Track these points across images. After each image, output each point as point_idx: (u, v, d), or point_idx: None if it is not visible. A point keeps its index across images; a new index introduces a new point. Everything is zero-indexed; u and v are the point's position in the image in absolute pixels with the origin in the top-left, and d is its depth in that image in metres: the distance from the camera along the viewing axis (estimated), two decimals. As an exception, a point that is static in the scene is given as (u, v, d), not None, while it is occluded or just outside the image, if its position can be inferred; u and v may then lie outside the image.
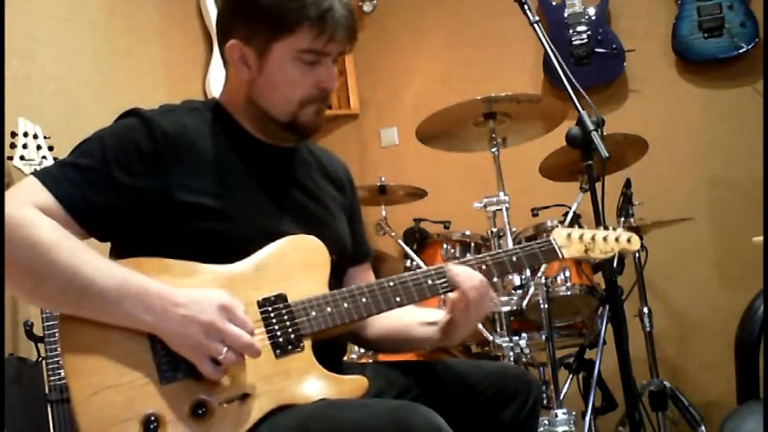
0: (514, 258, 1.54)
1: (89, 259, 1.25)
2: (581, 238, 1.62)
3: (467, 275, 1.46)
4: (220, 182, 1.42)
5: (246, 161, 1.48)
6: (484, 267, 1.51)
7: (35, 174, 1.34)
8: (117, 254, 1.41)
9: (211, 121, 1.49)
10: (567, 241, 1.61)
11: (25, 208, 1.26)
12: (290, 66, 1.43)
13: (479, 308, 1.48)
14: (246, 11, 1.46)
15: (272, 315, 1.35)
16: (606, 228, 1.68)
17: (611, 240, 1.64)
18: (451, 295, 1.47)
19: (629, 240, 1.67)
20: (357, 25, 1.47)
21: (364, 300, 1.41)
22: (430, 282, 1.47)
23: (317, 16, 1.39)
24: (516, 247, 1.57)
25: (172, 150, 1.38)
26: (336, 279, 1.49)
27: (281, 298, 1.37)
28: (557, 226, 2.77)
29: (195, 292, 1.27)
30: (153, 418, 1.22)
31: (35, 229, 1.24)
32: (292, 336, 1.35)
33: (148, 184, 1.35)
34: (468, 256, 1.54)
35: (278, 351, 1.33)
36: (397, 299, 1.44)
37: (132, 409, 1.22)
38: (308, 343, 1.35)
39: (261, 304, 1.35)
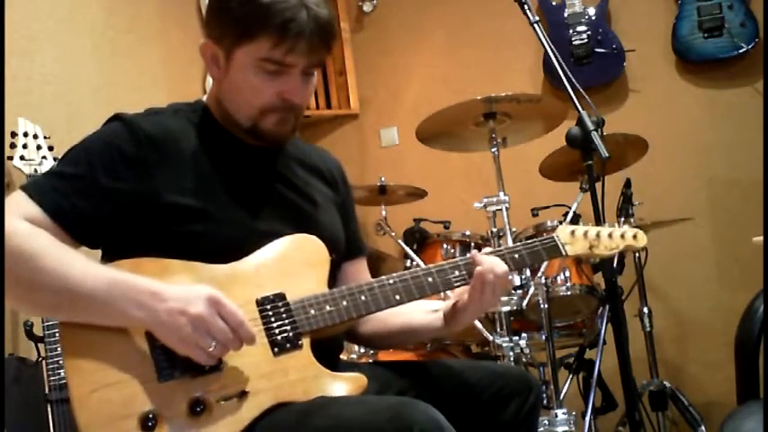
0: (517, 256, 1.53)
1: (77, 263, 1.26)
2: (585, 234, 1.59)
3: (491, 258, 1.48)
4: (204, 182, 1.42)
5: (230, 161, 1.48)
6: None
7: (21, 187, 1.35)
8: (108, 259, 1.40)
9: (195, 122, 1.49)
10: (570, 238, 1.58)
11: (12, 220, 1.26)
12: (251, 72, 1.42)
13: (494, 294, 1.46)
14: (217, 12, 1.46)
15: (271, 313, 1.35)
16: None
17: (617, 237, 1.61)
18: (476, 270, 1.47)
19: (635, 237, 1.63)
20: (329, 38, 1.44)
21: (363, 298, 1.41)
22: (430, 279, 1.47)
23: (277, 26, 1.37)
24: (519, 244, 1.55)
25: (156, 152, 1.39)
26: (330, 274, 1.49)
27: (280, 297, 1.37)
28: (557, 226, 2.78)
29: (182, 287, 1.28)
30: (151, 415, 1.22)
31: (22, 239, 1.25)
32: (291, 334, 1.35)
33: (134, 188, 1.36)
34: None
35: (276, 349, 1.33)
36: (397, 297, 1.44)
37: (130, 407, 1.22)
38: (306, 341, 1.36)
39: (260, 303, 1.36)
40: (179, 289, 1.27)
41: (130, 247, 1.36)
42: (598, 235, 1.60)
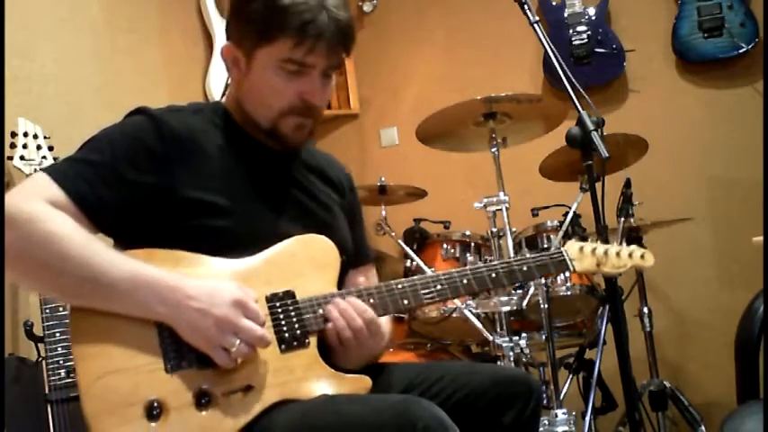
0: (525, 268, 1.55)
1: (102, 251, 1.28)
2: (593, 251, 1.61)
3: (343, 318, 1.38)
4: (224, 180, 1.44)
5: (249, 162, 1.50)
6: (494, 275, 1.52)
7: (44, 170, 1.35)
8: (121, 248, 1.40)
9: (215, 123, 1.51)
10: (579, 254, 1.61)
11: (36, 202, 1.27)
12: (271, 73, 1.45)
13: (361, 345, 1.39)
14: (238, 15, 1.49)
15: (280, 310, 1.37)
16: (606, 227, 1.68)
17: (624, 256, 1.64)
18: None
19: (642, 257, 1.66)
20: (348, 40, 1.46)
21: (372, 301, 1.43)
22: (439, 287, 1.48)
23: (297, 27, 1.39)
24: (528, 257, 1.58)
25: (179, 149, 1.41)
26: (339, 276, 1.50)
27: (290, 294, 1.39)
28: (557, 226, 2.79)
29: (208, 284, 1.29)
30: (156, 404, 1.23)
31: (48, 223, 1.26)
32: (298, 332, 1.36)
33: (156, 181, 1.37)
34: (476, 258, 1.55)
35: (283, 346, 1.35)
36: (405, 301, 1.46)
37: (137, 395, 1.23)
38: (313, 340, 1.37)
39: (269, 299, 1.37)
40: (204, 286, 1.28)
41: (147, 238, 1.37)
42: (606, 253, 1.62)
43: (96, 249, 1.27)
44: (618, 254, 1.63)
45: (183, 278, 1.29)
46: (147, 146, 1.38)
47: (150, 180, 1.37)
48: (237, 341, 1.26)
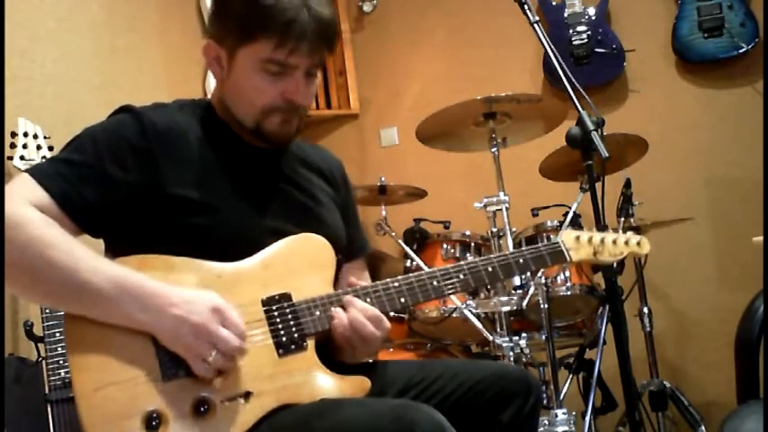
0: (521, 260, 1.54)
1: (85, 257, 1.26)
2: (590, 240, 1.60)
3: (353, 310, 1.39)
4: (210, 177, 1.42)
5: (234, 159, 1.48)
6: (490, 269, 1.51)
7: (28, 171, 1.33)
8: (112, 251, 1.40)
9: (200, 119, 1.50)
10: (575, 244, 1.59)
11: (20, 206, 1.26)
12: (253, 73, 1.43)
13: (366, 344, 1.39)
14: (219, 13, 1.48)
15: (276, 314, 1.36)
16: (606, 227, 1.67)
17: (621, 243, 1.63)
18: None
19: (638, 243, 1.65)
20: (331, 38, 1.44)
21: (369, 300, 1.41)
22: (435, 283, 1.47)
23: (279, 27, 1.37)
24: (524, 249, 1.56)
25: (163, 144, 1.39)
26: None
27: (286, 297, 1.37)
28: (557, 226, 2.79)
29: (189, 292, 1.28)
30: (155, 415, 1.22)
31: (31, 228, 1.24)
32: (296, 335, 1.35)
33: (141, 178, 1.36)
34: (476, 257, 1.54)
35: (281, 350, 1.34)
36: (402, 300, 1.45)
37: (135, 406, 1.22)
38: (311, 342, 1.36)
39: (265, 303, 1.36)
40: (185, 294, 1.27)
41: (135, 239, 1.36)
42: (602, 241, 1.61)
43: (80, 256, 1.25)
44: (614, 241, 1.62)
45: (167, 286, 1.27)
46: (130, 143, 1.37)
47: (135, 178, 1.35)
48: (214, 351, 1.24)
